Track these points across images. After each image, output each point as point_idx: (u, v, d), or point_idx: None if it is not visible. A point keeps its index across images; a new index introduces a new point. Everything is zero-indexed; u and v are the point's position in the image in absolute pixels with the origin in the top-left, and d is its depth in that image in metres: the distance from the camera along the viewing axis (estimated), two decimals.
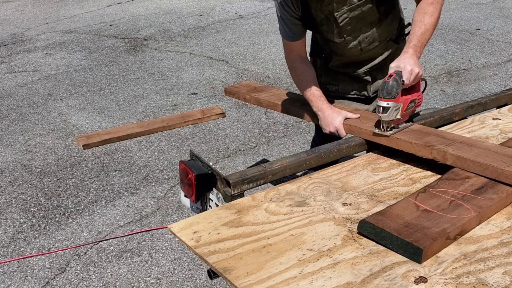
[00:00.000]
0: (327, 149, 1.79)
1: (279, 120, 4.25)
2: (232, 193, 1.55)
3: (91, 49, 6.39)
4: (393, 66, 1.74)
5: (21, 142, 4.08)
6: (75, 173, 3.59)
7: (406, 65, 1.71)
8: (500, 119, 2.02)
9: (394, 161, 1.73)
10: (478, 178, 1.50)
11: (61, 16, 8.15)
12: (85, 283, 2.58)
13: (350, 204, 1.46)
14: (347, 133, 1.96)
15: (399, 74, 1.69)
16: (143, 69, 5.61)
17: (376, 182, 1.59)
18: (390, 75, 1.69)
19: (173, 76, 5.36)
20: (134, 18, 7.83)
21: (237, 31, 6.86)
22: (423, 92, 1.89)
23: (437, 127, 1.92)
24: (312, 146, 2.50)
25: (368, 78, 2.18)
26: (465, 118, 2.08)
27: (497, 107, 2.20)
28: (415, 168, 1.67)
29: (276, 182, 1.75)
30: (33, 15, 8.34)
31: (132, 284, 2.56)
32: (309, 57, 2.23)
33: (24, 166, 3.72)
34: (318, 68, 2.27)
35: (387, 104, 1.67)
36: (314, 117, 2.10)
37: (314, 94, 2.04)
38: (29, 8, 8.86)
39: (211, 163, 1.65)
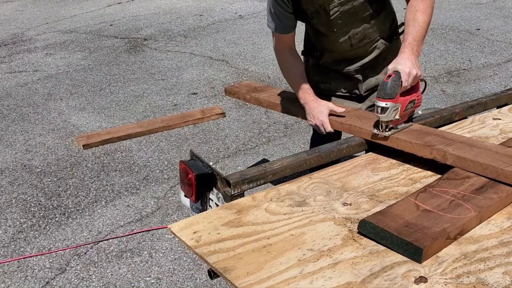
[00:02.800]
0: (327, 149, 1.79)
1: (279, 120, 4.25)
2: (232, 193, 1.55)
3: (91, 49, 6.39)
4: (390, 68, 1.73)
5: (21, 142, 4.08)
6: (75, 173, 3.59)
7: (403, 67, 1.71)
8: (500, 119, 2.02)
9: (394, 161, 1.73)
10: (478, 178, 1.50)
11: (61, 16, 8.15)
12: (85, 283, 2.58)
13: (350, 204, 1.46)
14: (347, 133, 1.96)
15: (398, 74, 1.69)
16: (143, 69, 5.61)
17: (376, 182, 1.59)
18: (389, 76, 1.69)
19: (173, 76, 5.36)
20: (134, 18, 7.83)
21: (237, 31, 6.87)
22: (422, 92, 1.89)
23: (437, 127, 1.92)
24: (311, 145, 2.51)
25: (359, 76, 2.19)
26: (465, 118, 2.08)
27: (497, 107, 2.20)
28: (415, 168, 1.67)
29: (276, 182, 1.75)
30: (33, 15, 8.34)
31: (132, 284, 2.56)
32: (301, 56, 2.24)
33: (24, 166, 3.72)
34: (310, 67, 2.28)
35: (386, 104, 1.67)
36: None
37: (301, 88, 2.06)
38: (29, 8, 8.86)
39: (211, 163, 1.65)
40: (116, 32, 7.11)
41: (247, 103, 4.56)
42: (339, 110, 1.98)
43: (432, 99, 4.45)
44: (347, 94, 2.23)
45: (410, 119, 1.90)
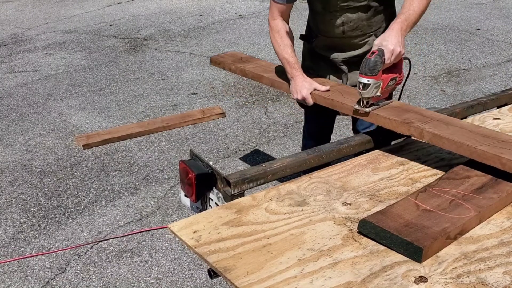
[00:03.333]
0: (327, 149, 1.80)
1: (279, 120, 4.25)
2: (232, 192, 1.55)
3: (91, 49, 6.39)
4: (377, 43, 1.79)
5: (21, 142, 4.08)
6: (75, 173, 3.59)
7: (388, 43, 1.76)
8: (500, 119, 2.02)
9: (394, 161, 1.73)
10: (478, 178, 1.50)
11: (61, 16, 8.15)
12: (85, 283, 2.58)
13: (350, 204, 1.46)
14: (329, 107, 2.02)
15: (381, 51, 1.73)
16: (143, 69, 5.61)
17: (376, 181, 1.59)
18: (373, 52, 1.74)
19: (173, 76, 5.36)
20: (134, 18, 7.83)
21: (237, 31, 6.86)
22: (409, 73, 1.98)
23: None
24: (303, 136, 2.56)
25: (345, 68, 2.25)
26: (465, 118, 2.08)
27: (497, 107, 2.21)
28: (415, 167, 1.67)
29: (276, 181, 1.75)
30: (33, 15, 8.34)
31: (132, 284, 2.56)
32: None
33: (24, 166, 3.72)
34: (305, 52, 2.38)
35: (368, 81, 1.72)
36: None
37: (289, 61, 2.12)
38: (29, 8, 8.86)
39: (211, 163, 1.65)
40: (116, 32, 7.11)
41: (247, 103, 4.57)
42: (323, 89, 2.05)
43: (432, 99, 4.45)
44: None
45: (390, 95, 1.94)
